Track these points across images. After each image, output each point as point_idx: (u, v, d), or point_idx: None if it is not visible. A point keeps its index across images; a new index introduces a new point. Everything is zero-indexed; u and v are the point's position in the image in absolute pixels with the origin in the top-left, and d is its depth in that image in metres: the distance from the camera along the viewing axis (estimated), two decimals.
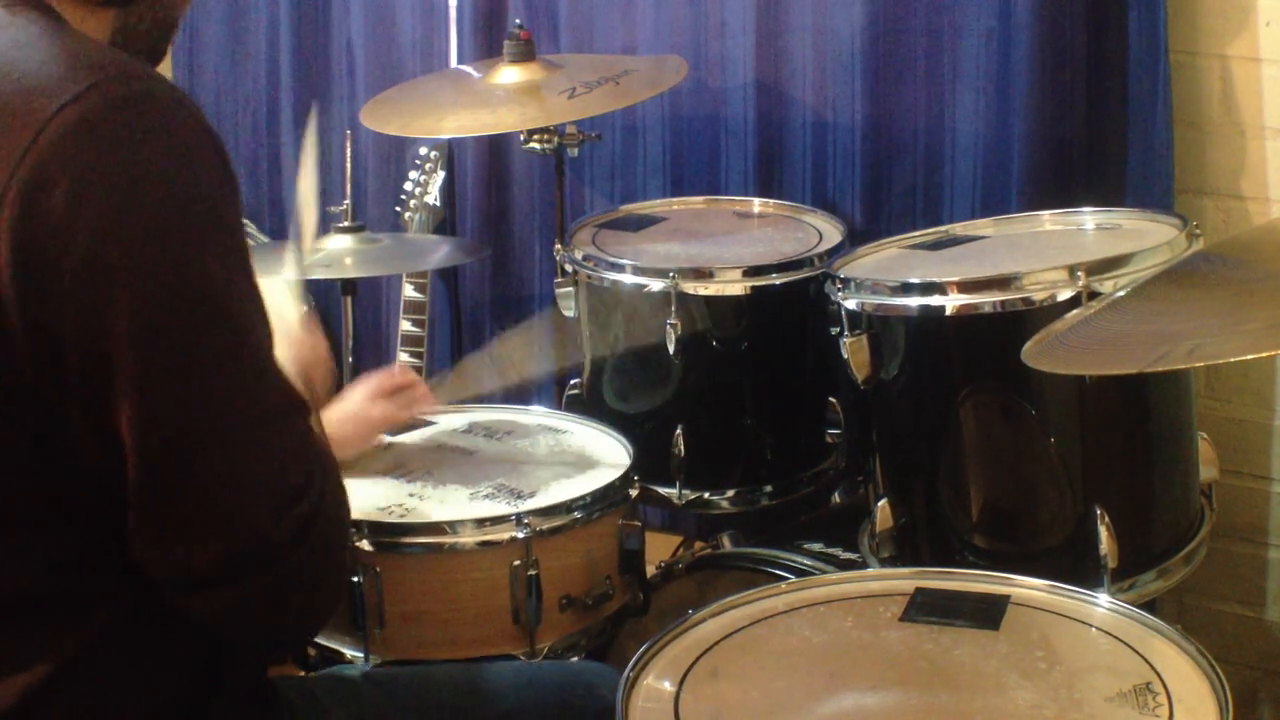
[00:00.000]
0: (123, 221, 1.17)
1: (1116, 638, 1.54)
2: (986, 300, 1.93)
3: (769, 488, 2.39)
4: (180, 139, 1.22)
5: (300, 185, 2.04)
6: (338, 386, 1.98)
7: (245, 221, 3.22)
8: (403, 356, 2.83)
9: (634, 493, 1.97)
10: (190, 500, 1.22)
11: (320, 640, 1.87)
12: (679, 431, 2.29)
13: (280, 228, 3.28)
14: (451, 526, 1.84)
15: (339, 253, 2.61)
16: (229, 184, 1.26)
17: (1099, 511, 1.92)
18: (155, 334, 1.19)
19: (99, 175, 1.17)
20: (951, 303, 1.95)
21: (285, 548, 1.25)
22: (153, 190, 1.19)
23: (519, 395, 3.00)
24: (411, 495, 1.94)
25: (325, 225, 2.78)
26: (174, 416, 1.20)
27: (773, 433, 2.39)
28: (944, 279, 1.97)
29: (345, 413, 1.94)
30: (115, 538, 1.26)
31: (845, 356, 2.03)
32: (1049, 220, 2.30)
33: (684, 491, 2.33)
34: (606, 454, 2.07)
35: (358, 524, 1.82)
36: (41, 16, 1.26)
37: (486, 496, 1.93)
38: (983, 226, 2.32)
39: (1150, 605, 1.89)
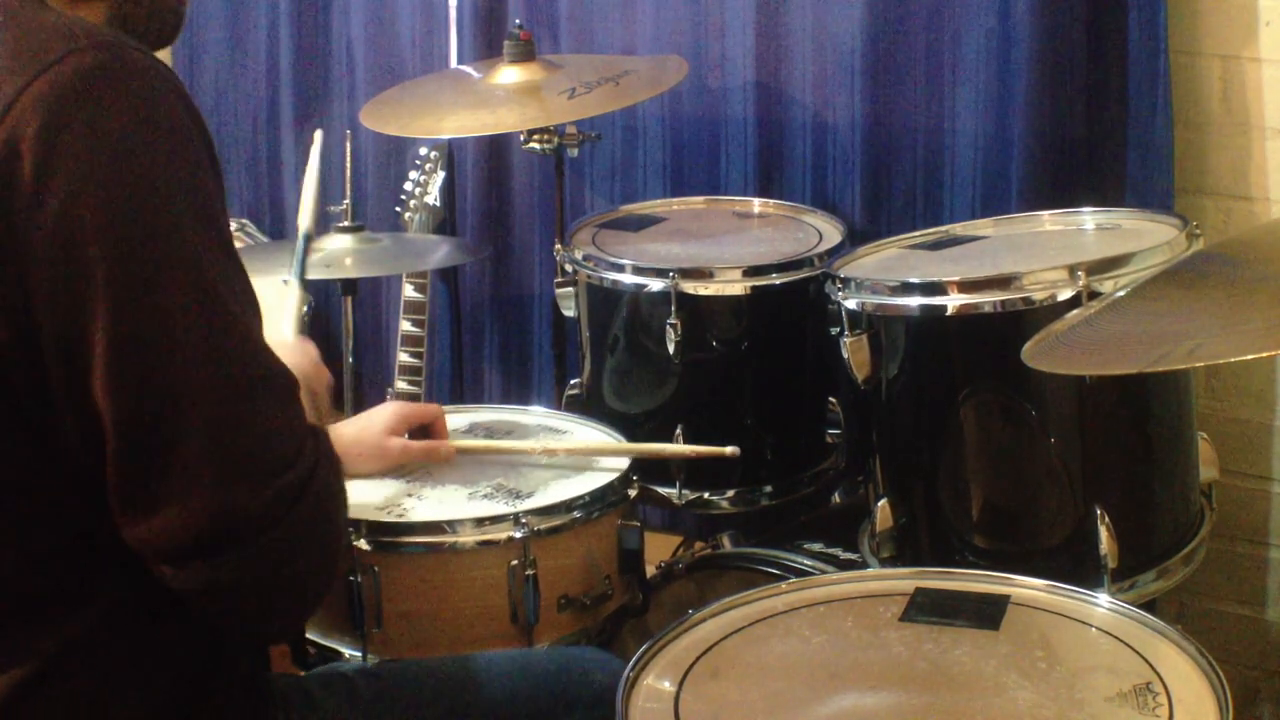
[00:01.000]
0: (94, 188, 1.17)
1: (1116, 638, 1.54)
2: (987, 300, 1.93)
3: (769, 488, 2.39)
4: (153, 107, 1.21)
5: (300, 219, 2.04)
6: (337, 391, 1.98)
7: (245, 221, 3.24)
8: (403, 356, 2.83)
9: (633, 493, 1.97)
10: (169, 471, 1.21)
11: (318, 639, 1.86)
12: (679, 431, 2.29)
13: (280, 228, 3.29)
14: (450, 526, 1.84)
15: (339, 253, 2.61)
16: (205, 153, 1.25)
17: (1099, 511, 1.92)
18: (129, 301, 1.18)
19: (69, 143, 1.16)
20: (952, 302, 1.95)
21: (267, 521, 1.24)
22: (124, 157, 1.18)
23: (519, 396, 3.01)
24: (410, 495, 1.94)
25: (325, 225, 2.78)
26: (150, 384, 1.19)
27: (773, 433, 2.39)
28: (944, 279, 1.97)
29: (361, 437, 1.91)
30: (106, 530, 1.25)
31: (845, 356, 2.03)
32: (1049, 220, 2.30)
33: (684, 491, 2.33)
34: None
35: (356, 524, 1.81)
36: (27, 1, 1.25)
37: (485, 496, 1.93)
38: (983, 226, 2.32)
39: (1150, 605, 1.89)
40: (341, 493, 1.36)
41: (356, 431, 1.91)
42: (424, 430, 1.98)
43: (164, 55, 1.52)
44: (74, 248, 1.16)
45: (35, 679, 1.27)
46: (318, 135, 2.10)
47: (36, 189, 1.16)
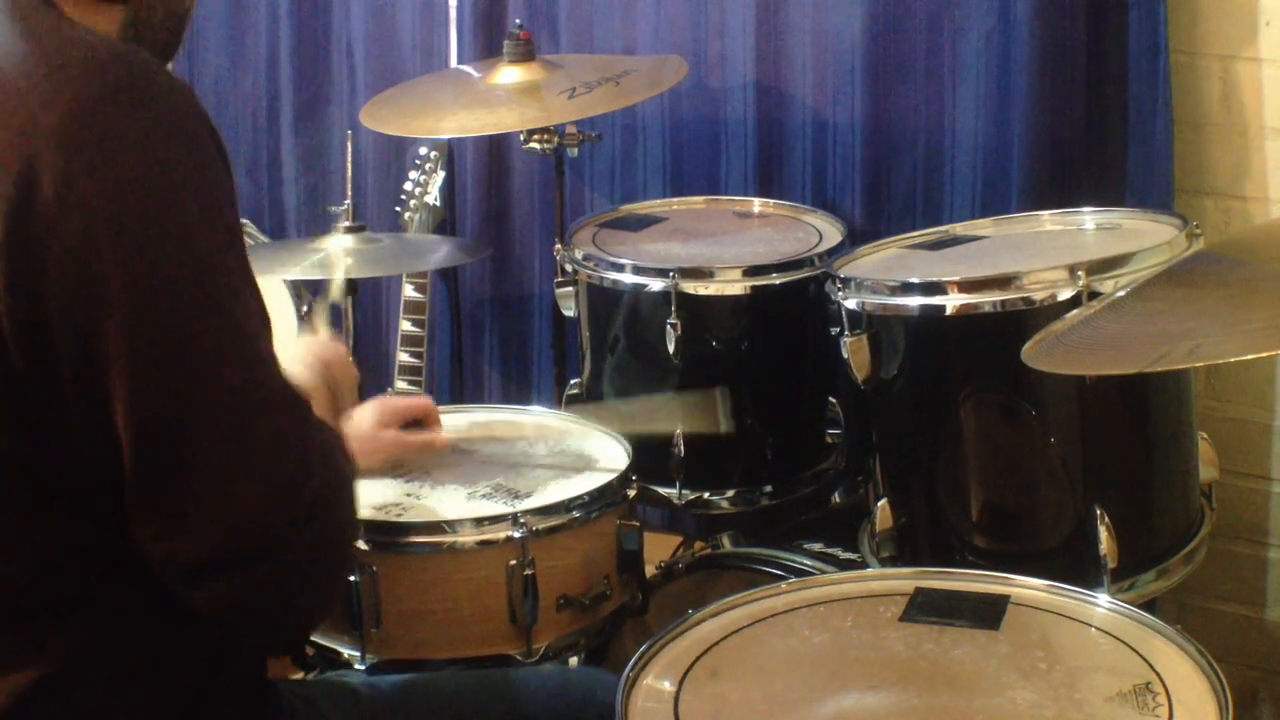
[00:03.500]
0: (112, 206, 1.17)
1: (1116, 638, 1.54)
2: (987, 300, 1.93)
3: (769, 488, 2.39)
4: (172, 123, 1.21)
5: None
6: None
7: (245, 221, 3.24)
8: (403, 356, 2.83)
9: (632, 492, 1.96)
10: (184, 488, 1.21)
11: (318, 640, 1.86)
12: (679, 432, 2.29)
13: (280, 227, 3.28)
14: (449, 526, 1.84)
15: (339, 253, 2.61)
16: (221, 166, 1.25)
17: (1099, 511, 1.92)
18: (147, 318, 1.18)
19: (88, 163, 1.16)
20: (952, 302, 1.95)
21: (282, 538, 1.24)
22: (143, 177, 1.18)
23: (519, 396, 3.01)
24: (409, 495, 1.93)
25: (325, 225, 2.78)
26: (167, 401, 1.20)
27: (773, 433, 2.39)
28: (944, 279, 1.97)
29: (355, 435, 1.91)
30: (111, 536, 1.25)
31: (845, 356, 2.03)
32: (1049, 220, 2.30)
33: (684, 491, 2.33)
34: (605, 454, 2.06)
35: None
36: (40, 7, 1.25)
37: (484, 496, 1.93)
38: (983, 226, 2.32)
39: (1150, 605, 1.89)
40: (353, 505, 1.37)
41: (349, 428, 1.91)
42: (419, 427, 1.98)
43: None
44: (90, 266, 1.17)
45: (37, 687, 1.27)
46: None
47: (55, 206, 1.16)
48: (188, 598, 1.27)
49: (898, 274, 2.07)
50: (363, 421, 1.92)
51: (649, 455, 2.16)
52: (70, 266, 1.16)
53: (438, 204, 2.94)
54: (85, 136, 1.17)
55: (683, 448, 2.28)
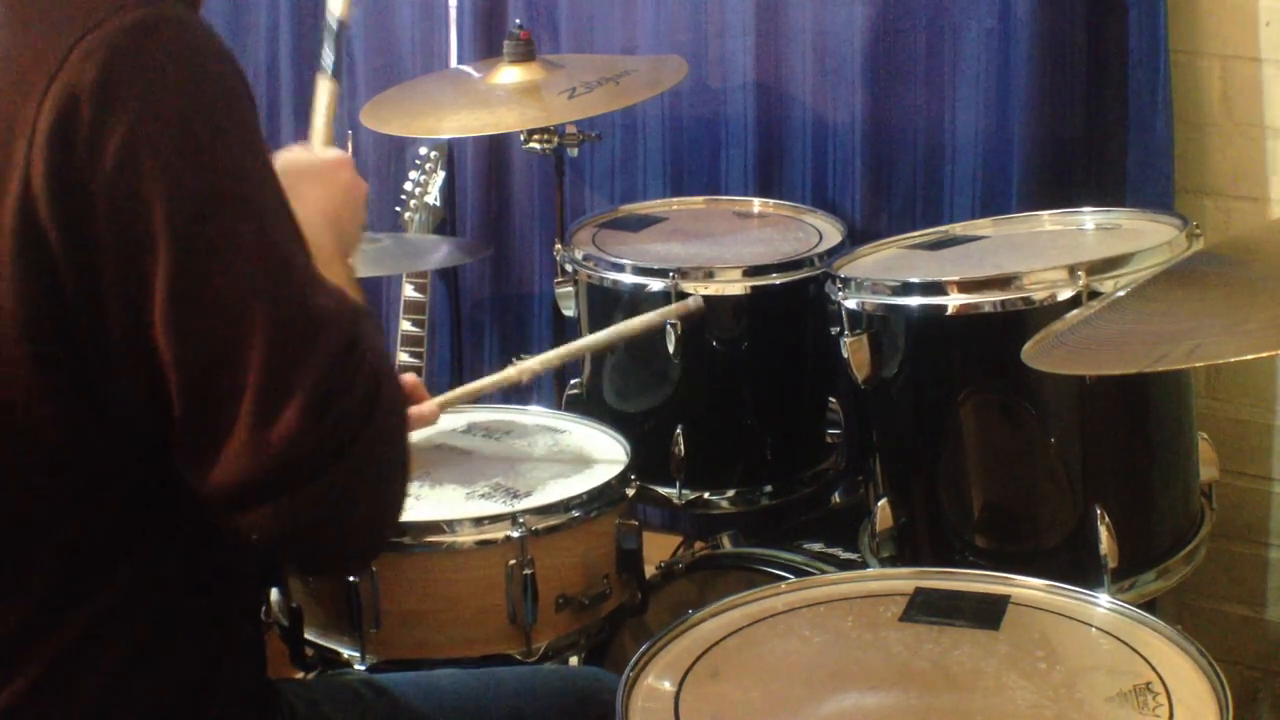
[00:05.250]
0: (151, 133, 1.18)
1: (1116, 638, 1.54)
2: (987, 300, 1.93)
3: (769, 488, 2.39)
4: (201, 57, 1.23)
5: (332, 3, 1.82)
6: None
7: None
8: (403, 356, 2.83)
9: (631, 492, 1.96)
10: (230, 411, 1.20)
11: (316, 640, 1.86)
12: (679, 431, 2.29)
13: None
14: (448, 526, 1.84)
15: None
16: (248, 100, 1.27)
17: (1099, 511, 1.92)
18: (190, 238, 1.19)
19: (126, 91, 1.18)
20: (952, 302, 1.95)
21: (331, 455, 1.23)
22: (178, 103, 1.20)
23: (519, 396, 3.01)
24: (408, 495, 1.93)
25: None
26: (210, 323, 1.20)
27: (773, 433, 2.39)
28: (944, 279, 1.97)
29: None
30: (114, 532, 1.25)
31: (845, 356, 2.03)
32: (1049, 220, 2.30)
33: (684, 491, 2.33)
34: (604, 453, 2.06)
35: None
36: None
37: (483, 496, 1.93)
38: (983, 226, 2.32)
39: (1150, 605, 1.89)
40: (403, 421, 1.34)
41: None
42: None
43: None
44: (133, 191, 1.18)
45: (38, 685, 1.27)
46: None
47: (96, 137, 1.17)
48: (241, 525, 1.25)
49: (898, 274, 2.07)
50: None
51: (649, 455, 2.17)
52: (114, 196, 1.17)
53: (438, 204, 2.94)
54: (119, 63, 1.18)
55: (683, 447, 2.29)
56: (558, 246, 2.48)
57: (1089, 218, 2.27)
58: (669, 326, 2.24)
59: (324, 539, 1.30)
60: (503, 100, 2.52)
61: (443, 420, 2.18)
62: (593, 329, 2.40)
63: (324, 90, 1.76)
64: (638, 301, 2.31)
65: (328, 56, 1.79)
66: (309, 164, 1.59)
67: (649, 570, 2.09)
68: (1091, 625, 1.58)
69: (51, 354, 1.21)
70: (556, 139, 2.61)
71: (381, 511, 1.35)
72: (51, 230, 1.18)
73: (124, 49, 1.19)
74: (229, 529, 1.27)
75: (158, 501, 1.29)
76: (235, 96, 1.25)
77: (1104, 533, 1.91)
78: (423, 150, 2.95)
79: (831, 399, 2.39)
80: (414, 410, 1.95)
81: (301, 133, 3.23)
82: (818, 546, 2.29)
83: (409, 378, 2.02)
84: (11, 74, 1.20)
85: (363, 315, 1.31)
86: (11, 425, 1.23)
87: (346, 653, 1.85)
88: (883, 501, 2.07)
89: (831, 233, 2.46)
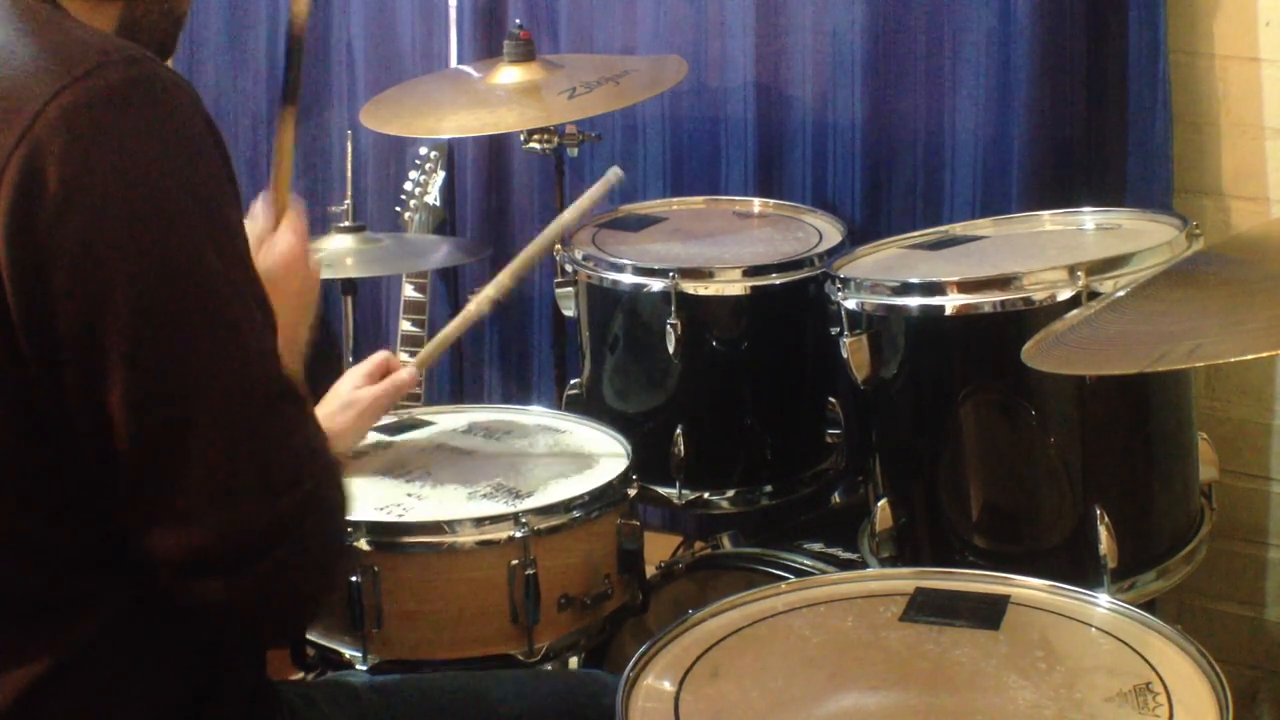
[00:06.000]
0: (118, 206, 1.17)
1: (1116, 638, 1.54)
2: (986, 300, 1.93)
3: (769, 488, 2.39)
4: (179, 126, 1.22)
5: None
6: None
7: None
8: (403, 356, 2.83)
9: (632, 492, 1.96)
10: (182, 484, 1.22)
11: (318, 640, 1.86)
12: (679, 431, 2.29)
13: None
14: (450, 526, 1.84)
15: (339, 253, 2.61)
16: (225, 173, 1.26)
17: (1099, 511, 1.92)
18: (149, 316, 1.19)
19: (95, 160, 1.17)
20: (951, 302, 1.95)
21: (277, 536, 1.25)
22: (148, 176, 1.19)
23: (519, 396, 3.01)
24: (409, 495, 1.93)
25: (325, 225, 2.78)
26: (165, 396, 1.20)
27: (773, 433, 2.39)
28: (944, 279, 1.97)
29: (335, 403, 1.93)
30: (112, 535, 1.25)
31: (845, 356, 2.03)
32: (1049, 220, 2.30)
33: (684, 491, 2.33)
34: (605, 453, 2.06)
35: (355, 524, 1.81)
36: (44, 6, 1.26)
37: (485, 496, 1.93)
38: (983, 226, 2.32)
39: (1150, 605, 1.89)
40: (344, 501, 1.37)
41: (331, 403, 1.92)
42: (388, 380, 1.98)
43: None
44: (95, 265, 1.17)
45: (35, 688, 1.27)
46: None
47: (61, 203, 1.16)
48: (186, 595, 1.27)
49: (898, 274, 2.07)
50: (339, 392, 1.94)
51: (649, 455, 2.17)
52: (75, 257, 1.17)
53: (438, 204, 2.94)
54: (92, 130, 1.17)
55: (683, 447, 2.29)
56: (558, 246, 2.48)
57: (1089, 218, 2.27)
58: (669, 327, 2.24)
59: (267, 607, 1.31)
60: (503, 100, 2.52)
61: (443, 420, 2.19)
62: (593, 329, 2.41)
63: (285, 125, 1.67)
64: (638, 301, 2.31)
65: (288, 81, 1.70)
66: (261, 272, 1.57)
67: (649, 570, 2.09)
68: (1091, 625, 1.58)
69: (10, 401, 1.21)
70: (556, 139, 2.61)
71: (322, 584, 1.37)
72: (9, 294, 1.17)
73: (100, 113, 1.18)
74: (178, 595, 1.28)
75: None
76: (206, 161, 1.23)
77: (1104, 533, 1.92)
78: (423, 150, 2.95)
79: (831, 399, 2.39)
80: (394, 378, 1.97)
81: (302, 132, 3.23)
82: (818, 546, 2.29)
83: (379, 354, 2.03)
84: None
85: (309, 399, 1.33)
86: None
87: (348, 653, 1.85)
88: (882, 502, 2.07)
89: (831, 233, 2.45)
